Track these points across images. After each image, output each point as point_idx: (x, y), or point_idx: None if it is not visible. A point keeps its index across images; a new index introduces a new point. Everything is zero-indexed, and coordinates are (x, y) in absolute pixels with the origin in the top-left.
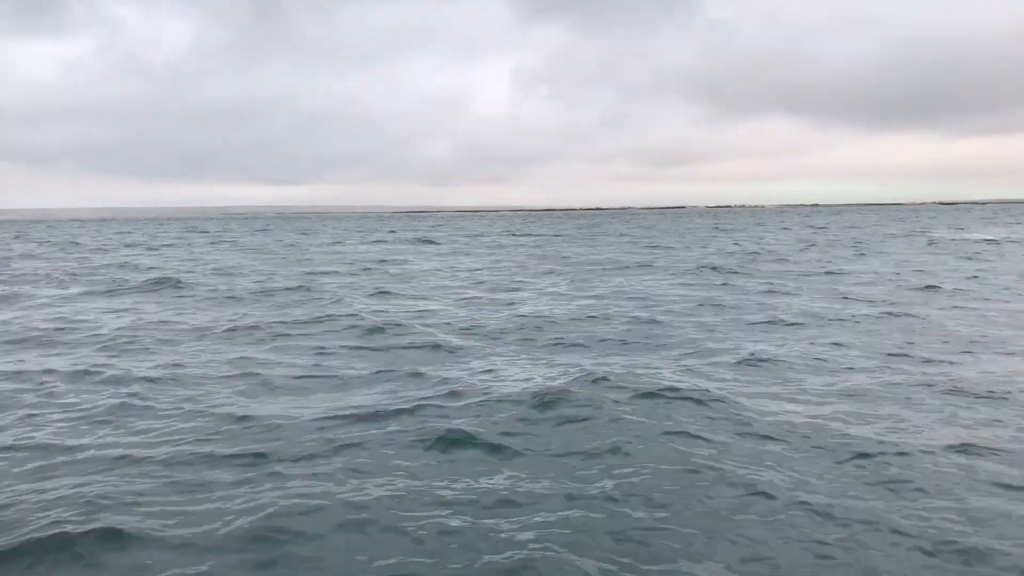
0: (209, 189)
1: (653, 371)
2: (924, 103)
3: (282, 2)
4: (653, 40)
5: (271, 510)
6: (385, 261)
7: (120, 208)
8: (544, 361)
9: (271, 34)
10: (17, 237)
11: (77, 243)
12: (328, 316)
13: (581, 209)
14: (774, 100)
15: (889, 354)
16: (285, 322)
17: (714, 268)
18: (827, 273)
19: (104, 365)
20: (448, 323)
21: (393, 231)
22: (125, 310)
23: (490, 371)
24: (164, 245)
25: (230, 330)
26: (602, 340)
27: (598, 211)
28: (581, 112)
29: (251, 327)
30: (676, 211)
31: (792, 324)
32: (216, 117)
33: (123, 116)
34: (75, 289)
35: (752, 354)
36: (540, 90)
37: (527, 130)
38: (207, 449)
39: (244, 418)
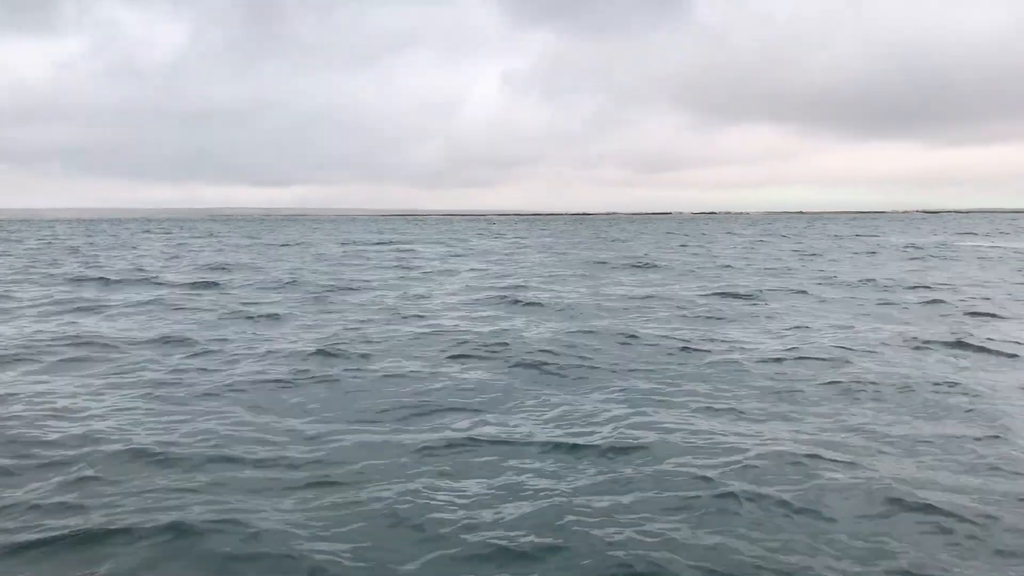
0: (196, 191)
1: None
2: (908, 112)
3: (278, 5)
4: (644, 45)
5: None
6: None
7: (104, 208)
8: None
9: (266, 36)
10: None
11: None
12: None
13: (567, 214)
14: (761, 106)
15: None
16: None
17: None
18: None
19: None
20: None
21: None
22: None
23: None
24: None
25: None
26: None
27: (583, 216)
28: (570, 116)
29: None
30: (662, 217)
31: None
32: (207, 119)
33: (113, 117)
34: None
35: None
36: (530, 94)
37: (515, 134)
38: None
39: None
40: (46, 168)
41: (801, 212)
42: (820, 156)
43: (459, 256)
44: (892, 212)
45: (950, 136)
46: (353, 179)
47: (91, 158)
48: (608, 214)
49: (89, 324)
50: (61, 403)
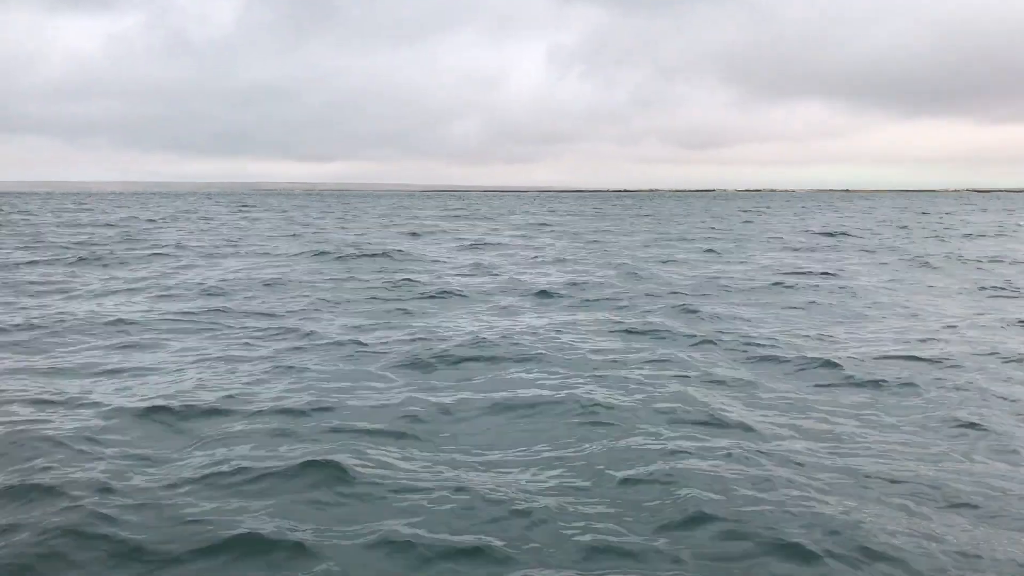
0: (240, 165)
1: None
2: (959, 88)
3: None
4: (690, 19)
5: None
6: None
7: (150, 182)
8: None
9: (313, 14)
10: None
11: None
12: None
13: (607, 191)
14: (808, 83)
15: None
16: None
17: None
18: None
19: None
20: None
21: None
22: None
23: None
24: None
25: None
26: None
27: (624, 193)
28: (614, 92)
29: None
30: (705, 194)
31: None
32: (255, 96)
33: (164, 93)
34: None
35: None
36: (574, 69)
37: (559, 109)
38: None
39: None
40: (94, 142)
41: (848, 190)
42: (868, 133)
43: None
44: (943, 191)
45: (1002, 112)
46: (395, 156)
47: (139, 133)
48: (649, 191)
49: None
50: None
